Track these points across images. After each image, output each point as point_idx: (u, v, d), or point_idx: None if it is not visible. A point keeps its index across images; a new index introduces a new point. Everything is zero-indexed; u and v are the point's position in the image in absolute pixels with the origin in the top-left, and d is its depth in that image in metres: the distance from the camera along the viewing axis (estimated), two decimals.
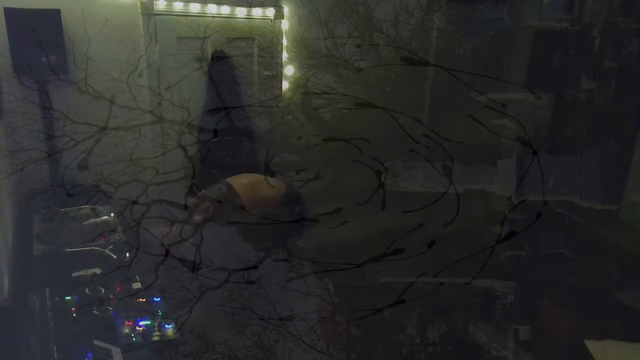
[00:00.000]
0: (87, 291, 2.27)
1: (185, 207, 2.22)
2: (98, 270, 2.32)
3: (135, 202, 2.14)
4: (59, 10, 2.39)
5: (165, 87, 2.36)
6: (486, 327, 2.43)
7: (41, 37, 2.17)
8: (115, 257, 2.34)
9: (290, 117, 2.77)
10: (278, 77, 2.86)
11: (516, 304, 2.40)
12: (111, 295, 2.27)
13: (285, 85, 2.86)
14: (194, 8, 2.71)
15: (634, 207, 2.07)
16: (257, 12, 2.86)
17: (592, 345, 1.93)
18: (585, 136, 2.28)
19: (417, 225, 2.14)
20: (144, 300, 2.28)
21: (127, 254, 2.25)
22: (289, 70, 2.86)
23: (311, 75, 2.69)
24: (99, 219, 2.49)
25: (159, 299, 2.29)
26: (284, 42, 2.86)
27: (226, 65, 2.57)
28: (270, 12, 2.87)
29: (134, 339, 2.18)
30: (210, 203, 2.11)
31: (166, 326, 2.21)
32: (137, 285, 2.27)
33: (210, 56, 2.53)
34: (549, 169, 2.18)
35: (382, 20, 2.64)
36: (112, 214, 2.50)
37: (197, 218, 2.11)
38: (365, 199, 2.14)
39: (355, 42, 2.62)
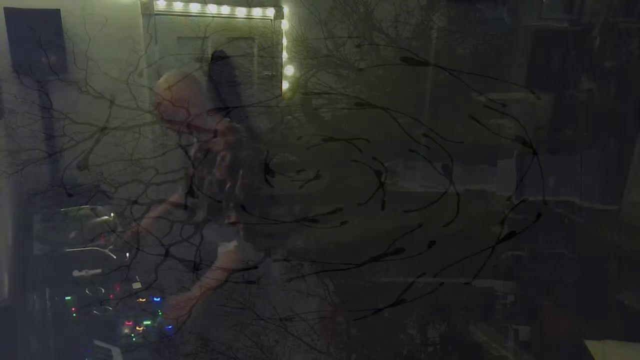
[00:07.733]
0: (87, 291, 2.27)
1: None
2: (98, 271, 2.32)
3: (135, 202, 2.14)
4: (59, 10, 2.39)
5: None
6: (486, 327, 2.43)
7: (41, 37, 2.17)
8: (115, 257, 2.34)
9: (290, 117, 2.77)
10: (278, 77, 2.86)
11: (516, 304, 2.40)
12: (111, 295, 2.27)
13: (285, 85, 2.86)
14: (194, 8, 2.71)
15: (634, 207, 2.07)
16: (257, 12, 2.86)
17: (592, 345, 1.93)
18: (585, 136, 2.28)
19: (417, 225, 2.14)
20: (144, 300, 2.27)
21: (127, 254, 2.24)
22: (289, 70, 2.85)
23: (311, 75, 2.69)
24: (99, 219, 2.49)
25: (159, 299, 2.29)
26: (284, 42, 2.86)
27: (226, 65, 2.57)
28: (270, 12, 2.87)
29: (134, 339, 2.18)
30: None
31: (166, 327, 2.21)
32: (137, 285, 2.27)
33: (210, 56, 2.53)
34: (549, 169, 2.18)
35: (382, 20, 2.64)
36: (112, 214, 2.50)
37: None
38: (365, 199, 2.14)
39: (355, 42, 2.62)
